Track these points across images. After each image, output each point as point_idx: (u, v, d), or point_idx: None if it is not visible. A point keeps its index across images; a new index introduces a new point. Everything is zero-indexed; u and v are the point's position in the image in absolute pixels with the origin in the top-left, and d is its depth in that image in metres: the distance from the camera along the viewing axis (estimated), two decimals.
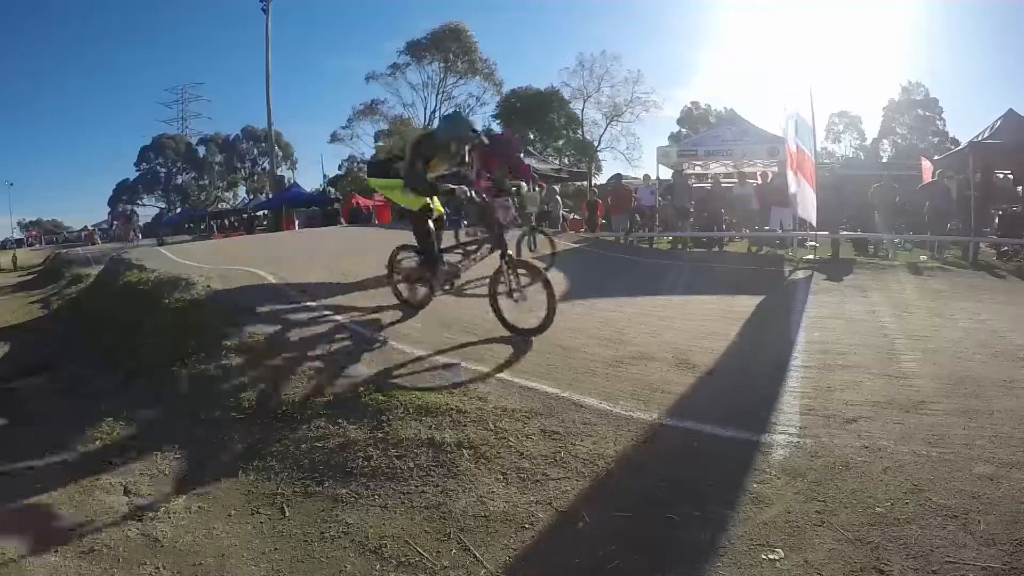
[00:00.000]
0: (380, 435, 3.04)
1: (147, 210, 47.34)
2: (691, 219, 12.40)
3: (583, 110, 38.71)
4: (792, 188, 8.63)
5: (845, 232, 10.95)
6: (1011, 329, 4.90)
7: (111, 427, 3.75)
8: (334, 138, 40.88)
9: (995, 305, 6.01)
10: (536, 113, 36.98)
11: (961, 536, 2.06)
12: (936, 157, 14.65)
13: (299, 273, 6.62)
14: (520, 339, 4.37)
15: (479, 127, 4.84)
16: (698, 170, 15.32)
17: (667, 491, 2.50)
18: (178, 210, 44.25)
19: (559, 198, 17.83)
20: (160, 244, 16.14)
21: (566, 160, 34.75)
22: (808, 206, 9.00)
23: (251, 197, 42.38)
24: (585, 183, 27.09)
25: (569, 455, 2.81)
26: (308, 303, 5.46)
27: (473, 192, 4.49)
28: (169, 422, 3.70)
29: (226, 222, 30.38)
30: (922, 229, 10.78)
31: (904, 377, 3.69)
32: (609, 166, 38.82)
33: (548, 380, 3.68)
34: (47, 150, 71.97)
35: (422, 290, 4.86)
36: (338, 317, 5.10)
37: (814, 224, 9.33)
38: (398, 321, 5.13)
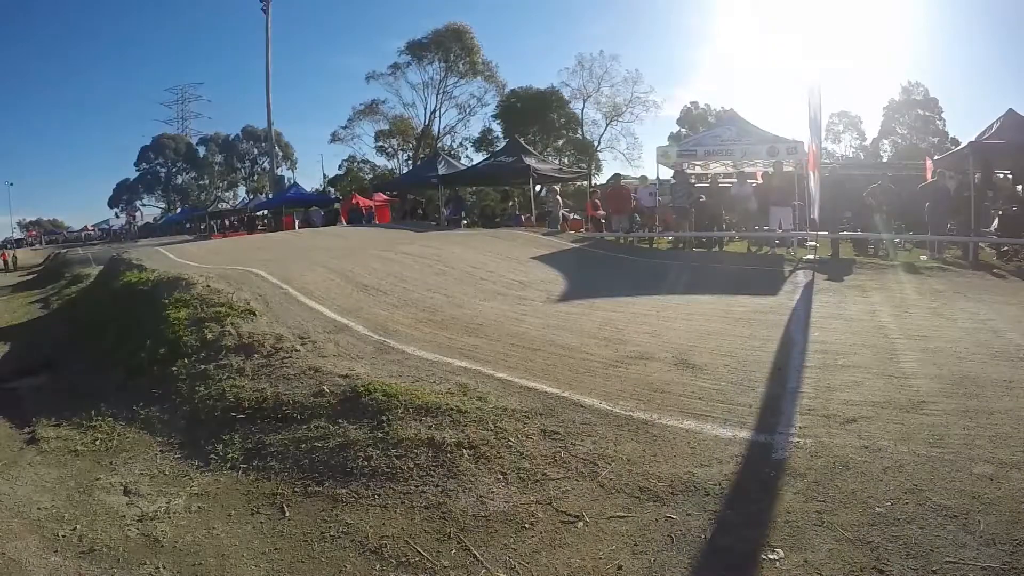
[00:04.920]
0: (380, 435, 3.04)
1: (147, 210, 47.49)
2: (691, 219, 12.38)
3: (583, 110, 38.83)
4: (814, 188, 8.65)
5: (845, 232, 10.94)
6: (1011, 329, 4.89)
7: (111, 427, 3.75)
8: (334, 138, 41.00)
9: (995, 305, 6.00)
10: (536, 113, 36.98)
11: (961, 536, 2.06)
12: (936, 157, 14.63)
13: (299, 274, 6.63)
14: (520, 340, 4.37)
15: None
16: (698, 170, 15.29)
17: (667, 491, 2.50)
18: (178, 210, 44.27)
19: (559, 198, 17.82)
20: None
21: (566, 160, 34.76)
22: (816, 205, 9.00)
23: (251, 197, 42.43)
24: (585, 183, 27.08)
25: (569, 455, 2.81)
26: (310, 304, 5.48)
27: None
28: (169, 422, 3.70)
29: (226, 222, 30.35)
30: (922, 229, 10.78)
31: (904, 377, 3.69)
32: (609, 166, 38.97)
33: (548, 380, 3.68)
34: (47, 150, 72.40)
35: None
36: (338, 318, 5.11)
37: (817, 221, 9.30)
38: (398, 322, 5.14)
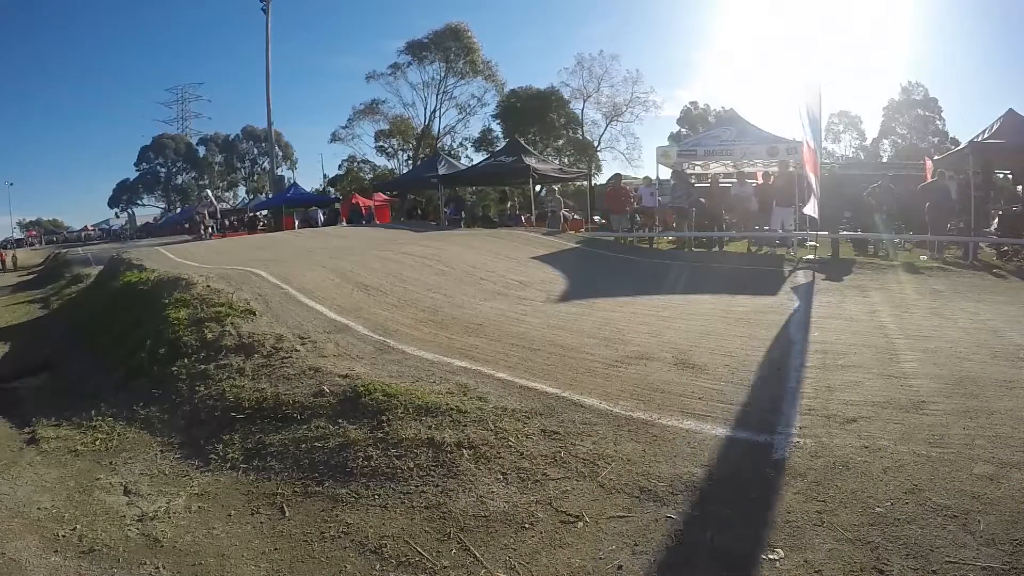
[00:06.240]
0: (380, 435, 3.04)
1: (147, 210, 47.56)
2: (690, 219, 12.38)
3: (583, 110, 38.76)
4: (814, 187, 8.65)
5: (845, 232, 10.94)
6: (1011, 329, 4.89)
7: (111, 427, 3.75)
8: (334, 138, 40.93)
9: (995, 305, 6.00)
10: (536, 113, 36.94)
11: (961, 536, 2.06)
12: (936, 157, 14.62)
13: (299, 274, 6.63)
14: (520, 340, 4.37)
15: None
16: (698, 170, 15.29)
17: (667, 491, 2.50)
18: (178, 210, 44.25)
19: (559, 198, 17.82)
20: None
21: (566, 160, 34.76)
22: (815, 204, 9.00)
23: (251, 197, 42.39)
24: (585, 183, 27.10)
25: (569, 455, 2.80)
26: (310, 304, 5.48)
27: None
28: (169, 422, 3.70)
29: (226, 222, 30.33)
30: (922, 229, 10.78)
31: (904, 377, 3.69)
32: (609, 166, 38.92)
33: (548, 380, 3.68)
34: (47, 150, 72.66)
35: None
36: (338, 318, 5.11)
37: (817, 220, 9.29)
38: (398, 322, 5.14)
